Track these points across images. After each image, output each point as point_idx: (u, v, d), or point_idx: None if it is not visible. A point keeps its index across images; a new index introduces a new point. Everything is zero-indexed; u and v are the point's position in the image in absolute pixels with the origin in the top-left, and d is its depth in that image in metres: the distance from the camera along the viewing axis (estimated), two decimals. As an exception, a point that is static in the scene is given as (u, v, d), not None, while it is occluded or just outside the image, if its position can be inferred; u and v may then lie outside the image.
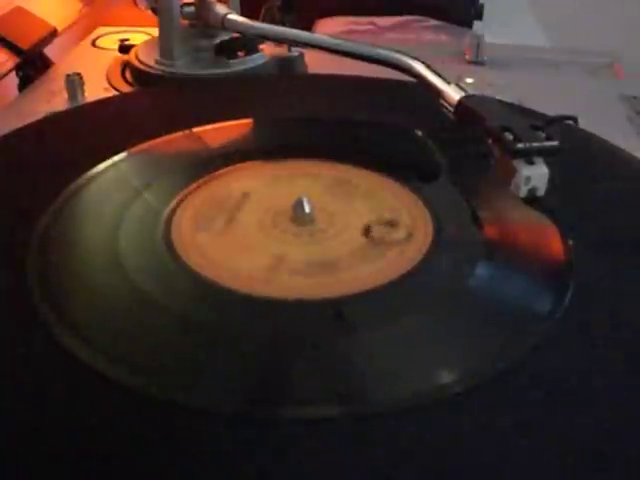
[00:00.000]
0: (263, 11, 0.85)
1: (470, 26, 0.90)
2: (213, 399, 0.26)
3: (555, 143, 0.36)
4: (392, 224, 0.37)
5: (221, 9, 0.58)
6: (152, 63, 0.59)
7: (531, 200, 0.36)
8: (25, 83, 0.63)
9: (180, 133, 0.44)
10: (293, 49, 0.62)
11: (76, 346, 0.28)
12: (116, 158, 0.41)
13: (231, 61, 0.59)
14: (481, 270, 0.33)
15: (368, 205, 0.38)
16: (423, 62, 0.47)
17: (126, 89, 0.59)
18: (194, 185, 0.39)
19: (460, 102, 0.41)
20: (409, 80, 0.48)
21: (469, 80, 0.60)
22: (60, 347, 0.28)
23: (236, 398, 0.27)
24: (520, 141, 0.35)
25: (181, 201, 0.38)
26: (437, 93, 0.43)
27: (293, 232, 0.36)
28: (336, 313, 0.31)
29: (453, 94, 0.42)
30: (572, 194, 0.38)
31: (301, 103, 0.50)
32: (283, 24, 0.59)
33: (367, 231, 0.36)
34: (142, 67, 0.59)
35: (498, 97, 0.43)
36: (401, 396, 0.27)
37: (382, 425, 0.26)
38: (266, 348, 0.29)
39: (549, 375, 0.28)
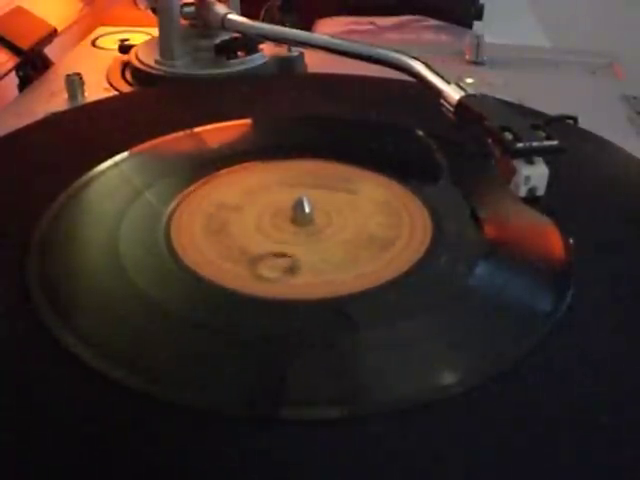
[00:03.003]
0: (263, 11, 0.85)
1: (470, 26, 0.90)
2: (213, 400, 0.26)
3: (555, 143, 0.36)
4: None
5: (221, 9, 0.58)
6: (152, 63, 0.59)
7: (531, 200, 0.36)
8: (25, 83, 0.63)
9: (180, 133, 0.44)
10: (293, 49, 0.62)
11: (76, 346, 0.28)
12: (117, 158, 0.41)
13: (231, 61, 0.59)
14: (481, 270, 0.33)
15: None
16: (423, 62, 0.47)
17: (126, 89, 0.59)
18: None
19: (460, 102, 0.41)
20: (409, 80, 0.48)
21: (469, 80, 0.60)
22: (60, 347, 0.28)
23: (236, 398, 0.27)
24: (520, 141, 0.35)
25: (182, 201, 0.38)
26: (437, 93, 0.43)
27: (293, 232, 0.36)
28: (336, 313, 0.31)
29: (453, 94, 0.42)
30: (572, 194, 0.38)
31: (301, 103, 0.50)
32: (283, 24, 0.59)
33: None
34: (142, 67, 0.59)
35: (498, 97, 0.43)
36: (401, 396, 0.27)
37: (382, 425, 0.26)
38: (266, 348, 0.29)
39: (549, 375, 0.28)
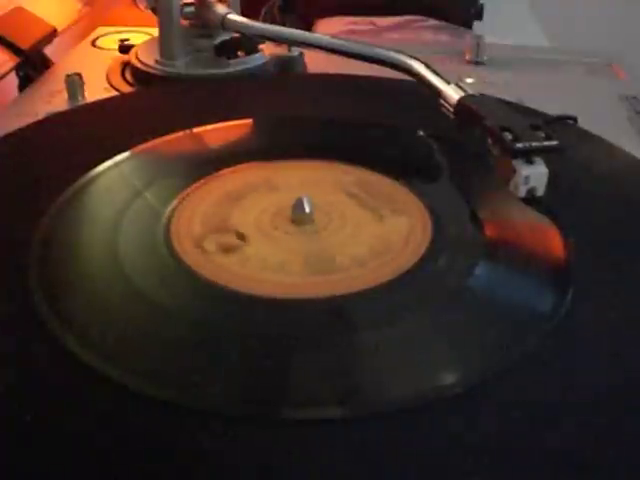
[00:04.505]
0: (263, 11, 0.85)
1: (470, 26, 0.90)
2: (213, 399, 0.26)
3: (554, 143, 0.36)
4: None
5: (221, 9, 0.58)
6: (152, 63, 0.59)
7: (530, 200, 0.36)
8: (25, 83, 0.63)
9: (180, 133, 0.44)
10: (293, 49, 0.62)
11: (76, 346, 0.28)
12: (116, 158, 0.41)
13: (231, 61, 0.59)
14: (481, 270, 0.33)
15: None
16: (423, 62, 0.47)
17: (126, 89, 0.59)
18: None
19: (460, 102, 0.41)
20: (409, 80, 0.48)
21: (469, 80, 0.60)
22: (60, 347, 0.28)
23: (236, 398, 0.27)
24: (519, 141, 0.35)
25: (181, 201, 0.38)
26: (437, 93, 0.43)
27: (293, 232, 0.36)
28: (336, 313, 0.31)
29: (453, 94, 0.42)
30: (572, 194, 0.38)
31: (301, 103, 0.50)
32: (283, 24, 0.59)
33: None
34: (142, 67, 0.59)
35: (498, 97, 0.43)
36: (401, 396, 0.27)
37: (382, 425, 0.26)
38: (266, 348, 0.29)
39: (549, 375, 0.28)
